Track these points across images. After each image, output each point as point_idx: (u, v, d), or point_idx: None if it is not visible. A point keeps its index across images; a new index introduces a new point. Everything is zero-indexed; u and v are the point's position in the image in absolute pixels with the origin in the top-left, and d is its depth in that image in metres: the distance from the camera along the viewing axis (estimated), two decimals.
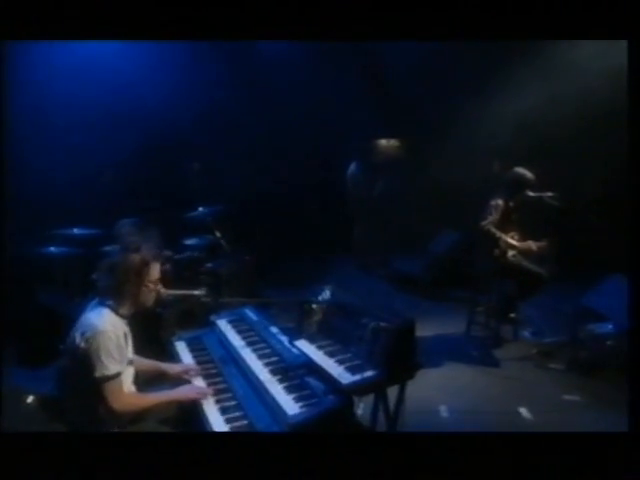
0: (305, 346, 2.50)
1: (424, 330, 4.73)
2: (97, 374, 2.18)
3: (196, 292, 2.58)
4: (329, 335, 2.55)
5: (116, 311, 2.34)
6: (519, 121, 6.14)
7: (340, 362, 2.30)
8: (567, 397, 3.77)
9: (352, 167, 7.49)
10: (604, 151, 5.63)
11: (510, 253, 4.47)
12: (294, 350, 2.54)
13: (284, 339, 2.71)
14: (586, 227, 4.77)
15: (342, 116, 7.42)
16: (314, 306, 2.75)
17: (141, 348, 3.74)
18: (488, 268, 4.61)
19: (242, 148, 7.19)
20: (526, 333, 4.84)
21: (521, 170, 4.48)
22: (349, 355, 2.34)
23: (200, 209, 5.25)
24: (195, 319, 4.27)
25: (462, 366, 4.35)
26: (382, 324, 2.20)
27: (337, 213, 7.43)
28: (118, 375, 2.24)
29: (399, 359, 2.18)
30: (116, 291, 2.33)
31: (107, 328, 2.24)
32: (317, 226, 7.20)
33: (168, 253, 3.20)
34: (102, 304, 2.34)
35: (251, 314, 3.18)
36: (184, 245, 5.13)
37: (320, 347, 2.47)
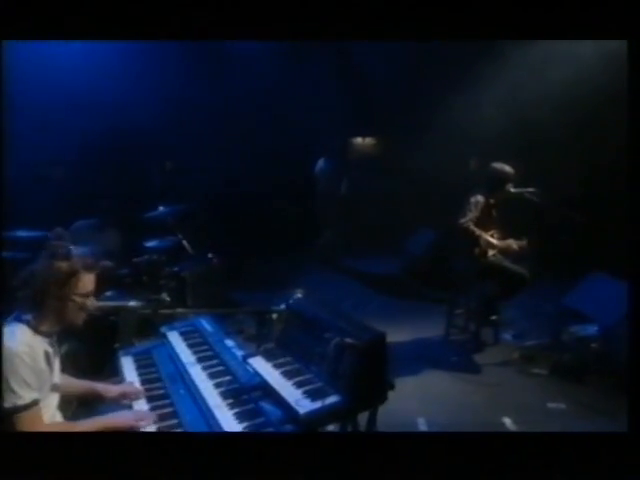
0: (260, 364, 2.16)
1: (400, 334, 4.56)
2: (7, 405, 1.81)
3: (131, 303, 2.21)
4: (289, 351, 2.21)
5: (35, 328, 1.97)
6: (499, 118, 5.97)
7: (299, 385, 1.96)
8: (552, 405, 3.58)
9: (320, 163, 7.30)
10: (589, 149, 5.51)
11: (490, 252, 4.26)
12: (249, 368, 2.21)
13: (240, 354, 2.37)
14: (568, 225, 4.60)
15: (314, 115, 7.23)
16: (275, 316, 2.43)
17: (91, 363, 3.38)
18: (467, 268, 4.42)
19: (209, 146, 6.87)
20: (507, 336, 4.67)
21: (500, 165, 4.33)
22: (310, 376, 2.02)
23: (161, 208, 4.89)
24: (154, 328, 3.91)
25: (441, 373, 4.13)
26: (347, 340, 1.87)
27: (309, 213, 7.19)
28: (34, 404, 1.87)
29: (367, 381, 1.85)
30: (35, 305, 1.96)
31: (20, 349, 1.87)
32: (288, 226, 6.93)
33: (107, 263, 2.78)
34: (19, 319, 1.98)
35: (206, 324, 2.83)
36: (143, 247, 4.76)
37: (277, 366, 2.13)
